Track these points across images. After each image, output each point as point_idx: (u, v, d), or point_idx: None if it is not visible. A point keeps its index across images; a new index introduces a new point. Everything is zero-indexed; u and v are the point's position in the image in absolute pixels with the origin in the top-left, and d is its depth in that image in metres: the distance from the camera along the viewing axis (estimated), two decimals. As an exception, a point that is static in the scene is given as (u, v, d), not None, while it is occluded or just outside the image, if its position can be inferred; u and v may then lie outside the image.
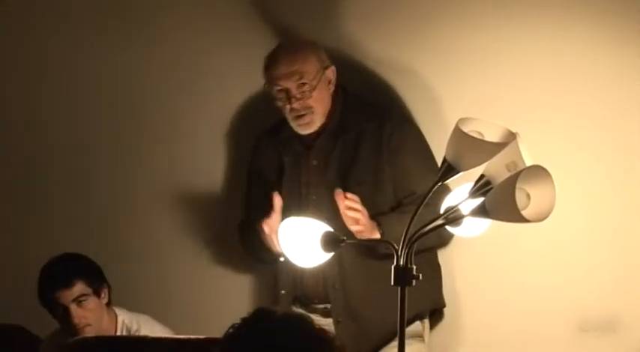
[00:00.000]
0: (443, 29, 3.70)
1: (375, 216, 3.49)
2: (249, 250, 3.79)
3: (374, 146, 3.60)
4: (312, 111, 3.58)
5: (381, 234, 3.46)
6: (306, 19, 3.88)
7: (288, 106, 3.58)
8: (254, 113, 3.95)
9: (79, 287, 3.58)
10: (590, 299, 3.57)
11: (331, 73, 3.63)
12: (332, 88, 3.63)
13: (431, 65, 3.74)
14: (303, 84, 3.56)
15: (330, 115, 3.64)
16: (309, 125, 3.61)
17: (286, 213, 3.43)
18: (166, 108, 4.09)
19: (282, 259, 3.55)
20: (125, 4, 4.12)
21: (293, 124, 3.62)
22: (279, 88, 3.58)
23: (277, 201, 3.54)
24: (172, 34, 4.06)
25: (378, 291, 3.46)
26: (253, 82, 3.76)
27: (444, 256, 3.73)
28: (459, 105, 3.64)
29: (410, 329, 3.46)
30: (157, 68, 4.09)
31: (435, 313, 3.75)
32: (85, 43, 4.15)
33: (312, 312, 3.62)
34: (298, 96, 3.56)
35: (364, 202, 3.48)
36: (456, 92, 3.70)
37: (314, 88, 3.56)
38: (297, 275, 3.62)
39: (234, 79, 3.98)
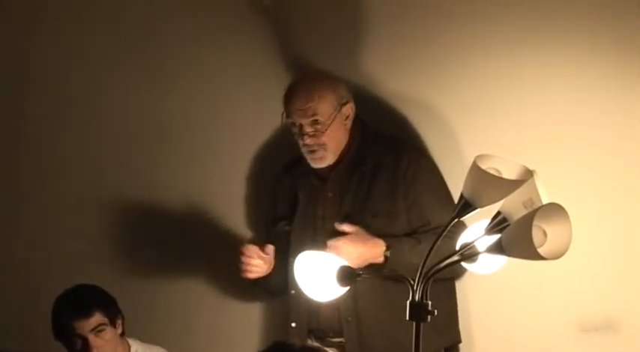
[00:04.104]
0: (460, 65, 3.71)
1: (386, 237, 3.49)
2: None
3: (390, 179, 3.59)
4: (324, 148, 3.57)
5: (386, 257, 3.46)
6: (324, 52, 3.89)
7: (300, 141, 3.59)
8: (274, 149, 3.96)
9: (97, 318, 3.56)
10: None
11: (349, 109, 3.60)
12: (348, 123, 3.61)
13: (448, 101, 3.74)
14: (317, 121, 3.55)
15: (346, 148, 3.63)
16: (322, 160, 3.61)
17: (300, 247, 3.39)
18: (183, 146, 4.12)
19: (292, 292, 3.57)
20: (142, 43, 4.14)
21: (307, 158, 3.62)
22: (292, 121, 3.59)
23: (269, 251, 3.60)
24: (189, 70, 4.09)
25: (393, 324, 3.46)
26: (272, 117, 3.75)
27: (458, 292, 3.71)
28: (475, 140, 3.66)
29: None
30: (174, 105, 4.11)
31: (449, 350, 3.72)
32: (101, 79, 4.17)
33: (328, 346, 3.62)
34: (311, 133, 3.55)
35: (378, 234, 3.49)
36: (472, 127, 3.70)
37: (327, 127, 3.54)
38: (312, 308, 3.60)
39: (252, 114, 3.99)
